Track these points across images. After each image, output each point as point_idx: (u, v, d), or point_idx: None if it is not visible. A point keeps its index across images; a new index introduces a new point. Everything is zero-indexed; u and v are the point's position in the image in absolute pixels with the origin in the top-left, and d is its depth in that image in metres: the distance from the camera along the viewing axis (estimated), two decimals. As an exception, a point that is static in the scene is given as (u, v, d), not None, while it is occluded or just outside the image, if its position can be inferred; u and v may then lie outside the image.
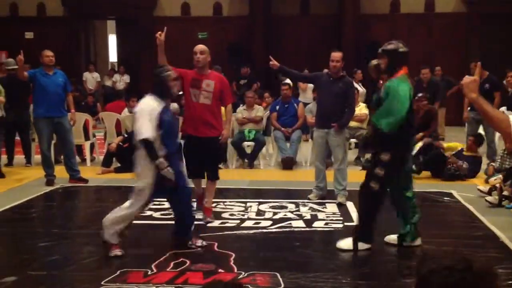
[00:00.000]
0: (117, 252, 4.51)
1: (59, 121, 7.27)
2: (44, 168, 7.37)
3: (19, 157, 8.79)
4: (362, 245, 4.68)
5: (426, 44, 14.45)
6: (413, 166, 6.62)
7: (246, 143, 8.86)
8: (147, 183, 4.54)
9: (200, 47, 5.64)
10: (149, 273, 4.18)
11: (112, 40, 17.87)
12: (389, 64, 4.62)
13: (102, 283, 3.97)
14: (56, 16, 15.31)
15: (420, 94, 9.05)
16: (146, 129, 4.43)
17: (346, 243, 4.73)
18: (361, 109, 9.16)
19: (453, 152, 8.02)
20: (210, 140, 5.49)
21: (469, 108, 8.70)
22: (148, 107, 4.50)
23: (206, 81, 5.51)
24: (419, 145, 7.98)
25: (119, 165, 8.39)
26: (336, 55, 6.35)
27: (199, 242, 4.83)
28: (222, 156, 6.35)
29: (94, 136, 9.39)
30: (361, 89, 11.04)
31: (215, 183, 5.73)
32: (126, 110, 9.85)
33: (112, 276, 4.09)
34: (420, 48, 14.30)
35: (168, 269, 4.27)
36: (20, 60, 7.06)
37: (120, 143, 8.43)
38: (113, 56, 17.94)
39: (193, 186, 5.42)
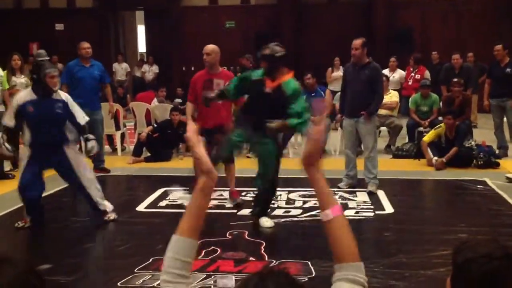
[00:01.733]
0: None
1: (91, 113, 7.32)
2: None
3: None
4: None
5: (458, 30, 14.17)
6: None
7: (275, 132, 8.82)
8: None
9: (208, 47, 5.80)
10: (181, 261, 4.21)
11: (141, 31, 17.97)
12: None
13: (135, 270, 4.01)
14: (86, 7, 15.47)
15: (455, 79, 8.88)
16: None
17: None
18: (391, 96, 9.04)
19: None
20: (219, 128, 5.71)
21: (490, 96, 8.53)
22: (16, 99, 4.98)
23: (216, 81, 5.72)
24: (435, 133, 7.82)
25: (149, 154, 8.46)
26: (355, 42, 6.27)
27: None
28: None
29: (124, 126, 9.48)
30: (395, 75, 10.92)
31: (232, 166, 5.96)
32: (155, 100, 9.93)
33: (145, 263, 4.13)
34: (452, 34, 14.05)
35: (199, 257, 4.29)
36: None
37: (150, 133, 8.50)
38: (142, 47, 18.05)
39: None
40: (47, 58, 9.09)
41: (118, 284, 3.82)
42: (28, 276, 1.27)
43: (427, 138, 7.86)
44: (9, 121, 4.93)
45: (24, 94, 4.97)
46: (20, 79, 7.73)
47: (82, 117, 5.14)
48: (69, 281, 3.85)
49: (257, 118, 4.78)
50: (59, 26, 15.39)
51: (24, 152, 4.97)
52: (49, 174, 7.40)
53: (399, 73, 11.08)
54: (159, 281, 3.84)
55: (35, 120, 4.83)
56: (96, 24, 15.45)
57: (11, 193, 6.45)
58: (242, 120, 5.04)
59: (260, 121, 4.74)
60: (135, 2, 16.01)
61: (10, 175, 7.24)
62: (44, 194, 6.32)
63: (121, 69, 15.04)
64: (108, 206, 5.24)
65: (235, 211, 5.61)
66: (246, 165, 6.36)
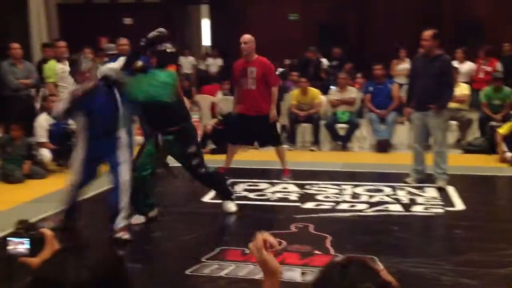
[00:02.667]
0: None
1: None
2: None
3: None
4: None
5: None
6: None
7: (339, 125, 8.74)
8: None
9: (246, 37, 6.30)
10: (246, 251, 4.24)
11: (206, 24, 18.18)
12: (158, 62, 4.74)
13: (202, 260, 4.07)
14: (153, 2, 15.79)
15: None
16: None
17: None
18: (462, 89, 8.74)
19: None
20: (260, 117, 6.25)
21: None
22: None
23: (250, 69, 6.24)
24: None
25: (214, 146, 8.56)
26: (426, 33, 6.09)
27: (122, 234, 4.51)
28: (277, 131, 6.89)
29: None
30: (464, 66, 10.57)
31: (280, 149, 6.56)
32: (220, 92, 10.02)
33: (212, 253, 4.18)
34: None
35: (265, 249, 4.30)
36: None
37: (215, 125, 8.59)
38: (206, 40, 18.25)
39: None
40: (116, 51, 9.39)
41: (187, 272, 3.89)
42: (110, 260, 1.30)
43: (503, 130, 7.56)
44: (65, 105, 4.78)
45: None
46: (92, 72, 8.00)
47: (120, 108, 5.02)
48: (138, 269, 3.95)
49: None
50: (127, 20, 15.79)
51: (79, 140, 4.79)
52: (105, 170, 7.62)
53: (468, 65, 10.68)
54: (226, 270, 3.90)
55: (87, 111, 4.60)
56: (162, 18, 15.73)
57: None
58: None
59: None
60: (200, -4, 16.21)
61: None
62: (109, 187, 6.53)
63: (187, 62, 15.27)
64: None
65: (299, 204, 5.59)
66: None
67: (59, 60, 7.77)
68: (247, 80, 6.27)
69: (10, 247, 1.54)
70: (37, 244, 1.53)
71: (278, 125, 9.01)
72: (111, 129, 4.64)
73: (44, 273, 1.27)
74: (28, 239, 1.53)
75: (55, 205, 5.02)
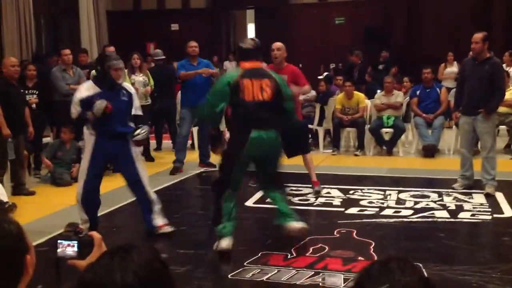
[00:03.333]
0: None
1: None
2: (176, 153, 7.61)
3: (167, 142, 9.34)
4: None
5: None
6: None
7: (384, 130, 8.64)
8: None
9: (277, 44, 6.17)
10: (289, 256, 4.25)
11: (251, 29, 18.28)
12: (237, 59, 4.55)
13: (245, 264, 4.10)
14: (199, 8, 16.00)
15: None
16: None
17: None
18: (512, 93, 8.50)
19: None
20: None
21: None
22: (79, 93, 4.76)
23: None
24: None
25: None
26: (476, 36, 5.95)
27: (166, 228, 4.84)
28: (305, 138, 6.58)
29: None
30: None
31: (306, 157, 6.21)
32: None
33: (254, 257, 4.21)
34: None
35: (307, 254, 4.30)
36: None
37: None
38: (251, 45, 18.34)
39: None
40: (163, 57, 9.54)
41: (229, 276, 3.93)
42: (154, 263, 1.33)
43: None
44: (75, 108, 4.72)
45: (87, 87, 4.76)
46: (139, 78, 8.16)
47: (137, 109, 5.00)
48: (183, 271, 4.01)
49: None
50: (174, 26, 16.04)
51: (88, 141, 4.79)
52: (163, 169, 7.75)
53: None
54: (268, 275, 3.91)
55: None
56: (208, 23, 15.92)
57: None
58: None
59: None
60: (246, 1, 16.31)
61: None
62: (159, 187, 6.66)
63: (231, 67, 15.40)
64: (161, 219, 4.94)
65: (343, 209, 5.55)
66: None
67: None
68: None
69: (59, 250, 1.57)
70: (86, 247, 1.56)
71: (320, 130, 9.00)
72: (123, 130, 4.79)
73: (89, 276, 1.31)
74: (77, 242, 1.56)
75: (101, 208, 5.14)
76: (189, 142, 9.58)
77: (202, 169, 7.63)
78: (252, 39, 4.81)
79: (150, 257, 1.33)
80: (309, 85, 6.34)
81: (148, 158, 8.41)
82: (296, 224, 4.48)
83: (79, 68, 8.17)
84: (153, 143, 8.99)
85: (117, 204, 5.89)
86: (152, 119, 8.81)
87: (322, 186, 6.29)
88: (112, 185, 6.80)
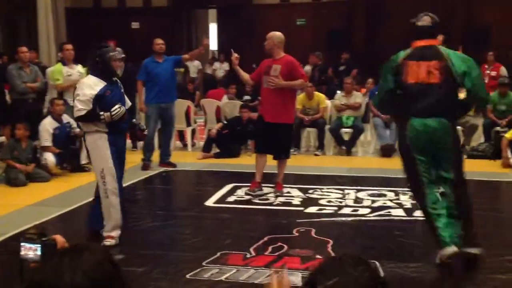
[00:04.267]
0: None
1: (167, 107, 7.48)
2: (144, 151, 7.55)
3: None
4: None
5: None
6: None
7: (344, 130, 8.75)
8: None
9: (268, 34, 6.09)
10: (248, 256, 4.26)
11: (213, 29, 18.24)
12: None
13: (203, 264, 4.09)
14: (161, 6, 15.87)
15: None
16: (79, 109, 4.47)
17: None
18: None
19: None
20: (277, 126, 5.86)
21: None
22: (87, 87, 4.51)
23: (274, 66, 5.90)
24: None
25: (218, 150, 8.59)
26: None
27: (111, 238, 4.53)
28: (289, 143, 6.38)
29: (195, 122, 9.67)
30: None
31: (282, 161, 6.13)
32: (225, 97, 10.05)
33: (213, 257, 4.20)
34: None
35: (266, 253, 4.32)
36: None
37: (220, 129, 8.63)
38: (213, 45, 18.31)
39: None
40: (123, 55, 9.41)
41: (187, 276, 3.91)
42: (106, 264, 1.33)
43: (509, 135, 7.54)
44: (85, 105, 4.42)
45: (93, 81, 4.52)
46: (98, 76, 8.04)
47: (127, 102, 4.87)
48: (140, 272, 3.97)
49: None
50: (135, 25, 15.88)
51: (99, 140, 4.49)
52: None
53: None
54: (227, 275, 3.91)
55: (113, 104, 4.46)
56: (170, 22, 15.81)
57: (89, 184, 6.73)
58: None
59: None
60: (208, 0, 16.28)
61: (86, 168, 7.54)
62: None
63: (193, 66, 15.32)
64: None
65: (302, 208, 5.60)
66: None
67: (65, 63, 7.83)
68: (267, 78, 5.88)
69: (22, 253, 1.55)
70: (49, 250, 1.53)
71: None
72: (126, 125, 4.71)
73: (39, 276, 1.29)
74: (40, 245, 1.54)
75: (57, 208, 5.05)
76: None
77: (163, 169, 7.57)
78: (428, 14, 4.20)
79: (101, 258, 1.33)
80: (303, 80, 6.03)
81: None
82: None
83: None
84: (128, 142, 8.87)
85: (74, 204, 5.80)
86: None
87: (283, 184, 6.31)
88: (69, 185, 6.70)
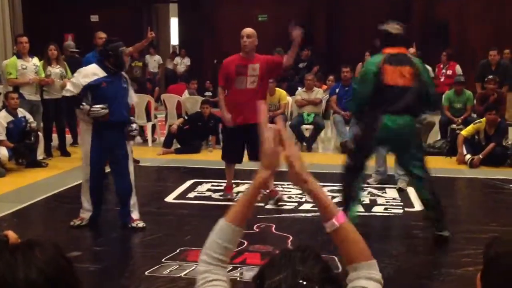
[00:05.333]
0: None
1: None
2: None
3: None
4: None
5: (496, 25, 13.85)
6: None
7: (305, 126, 8.81)
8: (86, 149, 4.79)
9: (247, 30, 5.54)
10: (208, 252, 4.23)
11: (174, 23, 18.08)
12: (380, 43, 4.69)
13: (163, 260, 4.05)
14: (121, -1, 15.64)
15: (490, 77, 8.77)
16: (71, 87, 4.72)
17: None
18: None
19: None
20: (256, 127, 5.50)
21: None
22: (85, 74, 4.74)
23: (252, 66, 5.47)
24: (471, 129, 7.68)
25: (179, 146, 8.53)
26: None
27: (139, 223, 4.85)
28: None
29: (155, 117, 9.58)
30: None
31: None
32: (186, 92, 9.99)
33: (172, 253, 4.17)
34: (490, 30, 13.75)
35: (226, 249, 4.30)
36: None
37: (181, 124, 8.57)
38: (174, 39, 18.17)
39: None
40: (76, 50, 9.23)
41: (146, 273, 3.87)
42: (58, 260, 1.30)
43: (465, 132, 7.72)
44: (74, 88, 4.63)
45: (93, 70, 4.71)
46: (55, 69, 7.87)
47: (133, 97, 5.05)
48: (97, 269, 3.91)
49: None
50: (94, 18, 15.60)
51: (85, 129, 4.78)
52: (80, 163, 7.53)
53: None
54: (186, 271, 3.87)
55: (107, 97, 4.63)
56: (130, 16, 15.60)
57: (46, 180, 6.60)
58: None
59: None
60: (169, -6, 16.13)
61: (43, 164, 7.38)
62: (76, 183, 6.46)
63: (153, 61, 15.17)
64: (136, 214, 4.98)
65: (262, 204, 5.61)
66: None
67: (20, 56, 7.63)
68: (246, 79, 5.45)
69: None
70: (1, 246, 1.51)
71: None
72: (121, 119, 4.76)
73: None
74: None
75: (12, 204, 4.93)
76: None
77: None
78: (398, 23, 4.66)
79: (54, 253, 1.30)
80: (287, 56, 5.69)
81: (64, 153, 8.14)
82: None
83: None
84: (68, 137, 8.71)
85: (30, 200, 5.66)
86: (69, 113, 8.52)
87: (242, 181, 6.27)
88: (25, 181, 6.55)
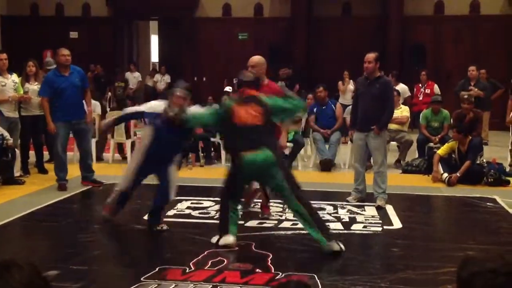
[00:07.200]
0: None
1: (77, 123, 7.02)
2: (56, 171, 7.01)
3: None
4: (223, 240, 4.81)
5: (471, 46, 14.16)
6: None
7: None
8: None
9: (254, 59, 5.64)
10: (187, 270, 4.22)
11: (154, 41, 18.12)
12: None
13: (142, 279, 4.01)
14: (101, 16, 15.63)
15: (465, 96, 8.93)
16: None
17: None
18: (402, 111, 9.03)
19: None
20: None
21: None
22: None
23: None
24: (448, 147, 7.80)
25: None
26: (368, 56, 6.28)
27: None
28: None
29: (135, 134, 9.53)
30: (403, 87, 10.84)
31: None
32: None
33: (151, 272, 4.13)
34: (466, 50, 14.04)
35: (205, 267, 4.29)
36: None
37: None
38: (155, 56, 18.19)
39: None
40: (55, 66, 9.20)
41: (124, 292, 3.83)
42: (34, 280, 1.30)
43: (441, 151, 7.83)
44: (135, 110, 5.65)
45: (160, 105, 5.29)
46: (33, 86, 7.80)
47: None
48: (76, 288, 3.86)
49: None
50: (74, 34, 15.55)
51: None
52: (48, 185, 7.44)
53: (401, 87, 10.85)
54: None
55: (162, 133, 5.14)
56: (110, 32, 15.60)
57: (22, 198, 6.52)
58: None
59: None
60: (150, 12, 16.17)
61: (20, 181, 7.29)
62: (54, 200, 6.40)
63: (133, 78, 15.16)
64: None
65: (242, 222, 5.60)
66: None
67: (-1, 73, 7.57)
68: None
69: None
70: None
71: (222, 144, 9.03)
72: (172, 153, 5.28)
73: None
74: None
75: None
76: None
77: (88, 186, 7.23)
78: (251, 72, 5.22)
79: (31, 273, 1.30)
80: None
81: (41, 170, 8.05)
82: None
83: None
84: (45, 154, 8.61)
85: (6, 218, 5.58)
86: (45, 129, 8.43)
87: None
88: (0, 199, 6.45)
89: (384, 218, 5.83)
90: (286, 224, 5.58)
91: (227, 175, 4.98)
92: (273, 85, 5.72)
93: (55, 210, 6.12)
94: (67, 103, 6.84)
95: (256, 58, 5.63)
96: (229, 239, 4.78)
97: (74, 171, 7.45)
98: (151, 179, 5.45)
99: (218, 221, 5.03)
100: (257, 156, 4.63)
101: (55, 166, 7.07)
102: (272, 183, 4.85)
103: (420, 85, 11.63)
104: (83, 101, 7.21)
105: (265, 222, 5.62)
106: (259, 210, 5.93)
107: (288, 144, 8.77)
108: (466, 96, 8.83)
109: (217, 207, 6.03)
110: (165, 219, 5.69)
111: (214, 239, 4.84)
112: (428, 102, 10.14)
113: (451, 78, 12.93)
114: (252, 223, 5.58)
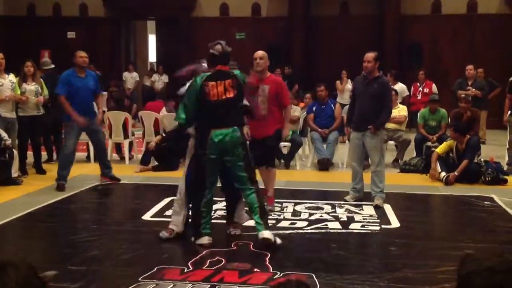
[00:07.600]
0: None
1: (92, 122, 7.14)
2: (59, 170, 7.02)
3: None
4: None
5: (468, 45, 14.18)
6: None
7: (282, 144, 8.83)
8: None
9: (259, 53, 6.01)
10: (186, 270, 4.22)
11: (152, 40, 18.10)
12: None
13: (140, 279, 4.01)
14: (98, 16, 15.61)
15: (462, 95, 8.94)
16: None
17: None
18: (400, 111, 9.04)
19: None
20: (264, 139, 5.83)
21: (509, 112, 8.50)
22: None
23: (262, 86, 5.86)
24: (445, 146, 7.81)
25: (156, 163, 8.50)
26: (368, 55, 6.28)
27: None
28: (277, 152, 6.66)
29: (133, 134, 9.53)
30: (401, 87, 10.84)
31: (270, 171, 6.06)
32: (164, 109, 9.97)
33: (149, 272, 4.13)
34: (463, 49, 14.06)
35: (204, 267, 4.30)
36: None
37: (158, 142, 8.54)
38: (152, 56, 18.17)
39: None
40: (52, 66, 9.18)
41: (123, 292, 3.83)
42: (31, 280, 1.30)
43: (439, 149, 7.84)
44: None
45: None
46: (31, 86, 7.79)
47: None
48: (74, 288, 3.86)
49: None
50: (71, 34, 15.53)
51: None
52: (47, 185, 7.45)
53: (399, 86, 10.87)
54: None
55: None
56: (107, 33, 15.58)
57: (20, 198, 6.51)
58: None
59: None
60: (147, 11, 16.15)
61: (18, 181, 7.28)
62: (52, 200, 6.40)
63: (131, 78, 15.15)
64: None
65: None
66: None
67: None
68: (257, 99, 5.78)
69: None
70: None
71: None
72: None
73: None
74: None
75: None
76: (85, 154, 9.30)
77: (98, 182, 7.40)
78: (221, 45, 5.05)
79: (28, 273, 1.30)
80: (288, 106, 6.09)
81: (39, 170, 8.04)
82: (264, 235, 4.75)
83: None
84: (44, 154, 8.62)
85: (4, 219, 5.58)
86: (45, 130, 8.45)
87: (220, 198, 6.25)
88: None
89: (382, 217, 5.84)
90: (284, 223, 5.58)
91: (192, 164, 5.00)
92: (274, 76, 6.19)
93: (53, 210, 6.12)
94: (79, 103, 6.97)
95: (261, 52, 6.05)
96: (203, 239, 4.85)
97: (74, 171, 7.45)
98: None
99: (191, 221, 5.04)
100: (228, 132, 4.73)
101: (59, 165, 7.14)
102: (233, 163, 4.80)
103: (418, 84, 11.64)
104: (94, 103, 7.34)
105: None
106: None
107: (285, 143, 8.80)
108: (463, 95, 8.84)
109: (216, 206, 6.04)
110: (163, 219, 5.70)
111: (192, 238, 4.92)
112: (426, 101, 10.15)
113: (448, 77, 12.95)
114: (250, 222, 5.56)
